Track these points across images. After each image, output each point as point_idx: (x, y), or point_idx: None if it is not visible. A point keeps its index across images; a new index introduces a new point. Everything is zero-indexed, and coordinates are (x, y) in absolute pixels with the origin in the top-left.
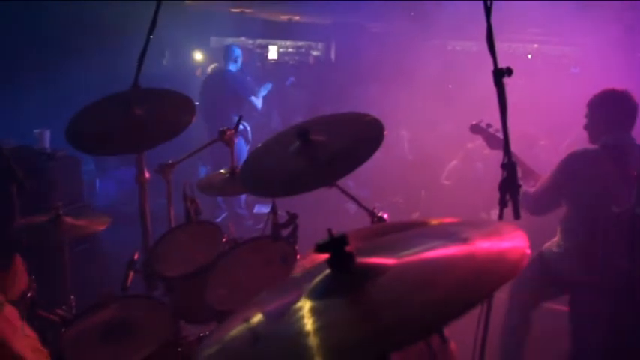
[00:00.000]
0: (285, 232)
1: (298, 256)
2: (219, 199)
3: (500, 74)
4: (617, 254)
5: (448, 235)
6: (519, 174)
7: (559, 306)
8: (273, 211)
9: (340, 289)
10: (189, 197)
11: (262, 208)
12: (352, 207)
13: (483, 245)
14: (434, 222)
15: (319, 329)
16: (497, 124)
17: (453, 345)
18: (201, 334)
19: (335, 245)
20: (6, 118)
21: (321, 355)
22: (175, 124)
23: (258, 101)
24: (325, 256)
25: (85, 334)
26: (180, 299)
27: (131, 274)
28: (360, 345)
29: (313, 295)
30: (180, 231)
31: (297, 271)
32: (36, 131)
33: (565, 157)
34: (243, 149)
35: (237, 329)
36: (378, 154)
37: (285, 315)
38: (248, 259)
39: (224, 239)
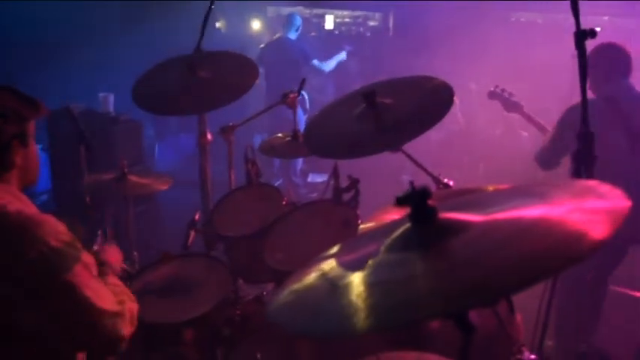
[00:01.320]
0: (346, 197)
1: (360, 221)
2: (276, 165)
3: (582, 36)
4: None
5: (538, 194)
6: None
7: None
8: (335, 175)
9: (421, 244)
10: (251, 159)
11: (316, 177)
12: (407, 179)
13: (578, 205)
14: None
15: (397, 282)
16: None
17: (518, 317)
18: (259, 295)
19: (417, 198)
20: (73, 82)
21: (399, 307)
22: (238, 86)
23: (325, 65)
24: (394, 215)
25: (147, 289)
26: (240, 259)
27: (192, 233)
28: (439, 300)
29: (392, 249)
30: (240, 192)
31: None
32: (101, 95)
33: (565, 110)
34: (301, 118)
35: (312, 279)
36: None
37: (364, 267)
38: (307, 222)
39: (284, 202)
